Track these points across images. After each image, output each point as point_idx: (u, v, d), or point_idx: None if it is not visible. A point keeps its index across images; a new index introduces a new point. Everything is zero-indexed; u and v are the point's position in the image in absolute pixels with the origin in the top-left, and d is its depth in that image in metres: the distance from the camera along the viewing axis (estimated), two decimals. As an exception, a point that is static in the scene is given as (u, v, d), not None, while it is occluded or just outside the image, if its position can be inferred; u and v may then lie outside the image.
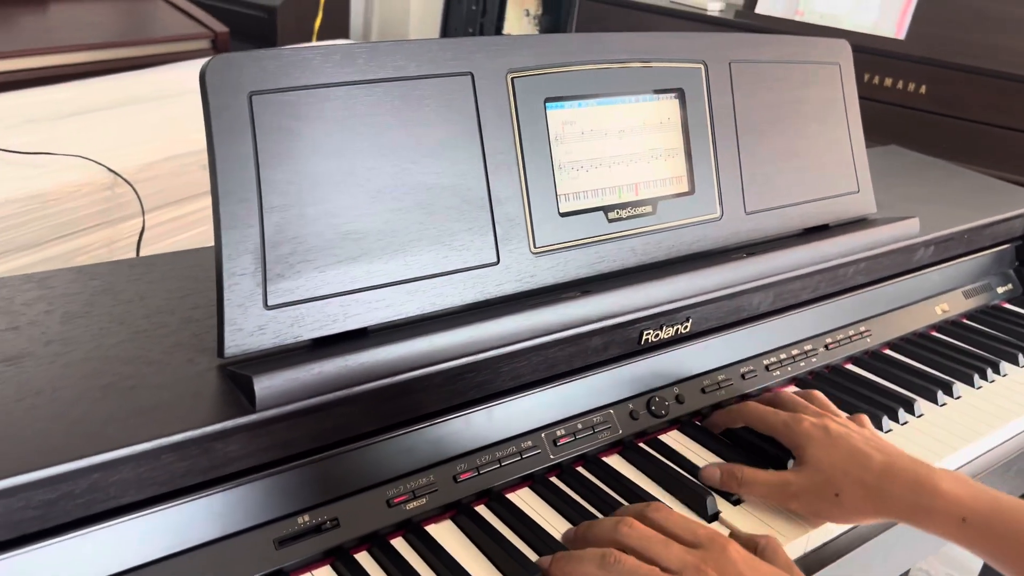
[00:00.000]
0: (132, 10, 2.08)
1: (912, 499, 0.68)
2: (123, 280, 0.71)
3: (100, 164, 1.10)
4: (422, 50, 0.68)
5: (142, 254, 1.15)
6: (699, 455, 0.79)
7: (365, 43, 0.66)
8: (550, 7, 2.58)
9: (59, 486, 0.50)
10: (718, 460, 0.78)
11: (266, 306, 0.60)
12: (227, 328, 0.58)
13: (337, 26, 2.89)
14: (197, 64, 1.74)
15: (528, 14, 2.60)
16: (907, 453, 0.72)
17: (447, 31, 2.78)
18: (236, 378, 0.59)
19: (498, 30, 2.64)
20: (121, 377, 0.58)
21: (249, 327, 0.59)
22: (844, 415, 0.78)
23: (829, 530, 0.72)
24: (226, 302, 0.58)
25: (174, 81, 1.54)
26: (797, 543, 0.70)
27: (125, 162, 1.15)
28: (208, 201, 1.33)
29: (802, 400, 0.80)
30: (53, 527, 0.51)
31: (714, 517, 0.71)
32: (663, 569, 0.58)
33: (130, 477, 0.53)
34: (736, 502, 0.73)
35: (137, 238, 1.14)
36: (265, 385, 0.57)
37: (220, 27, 2.09)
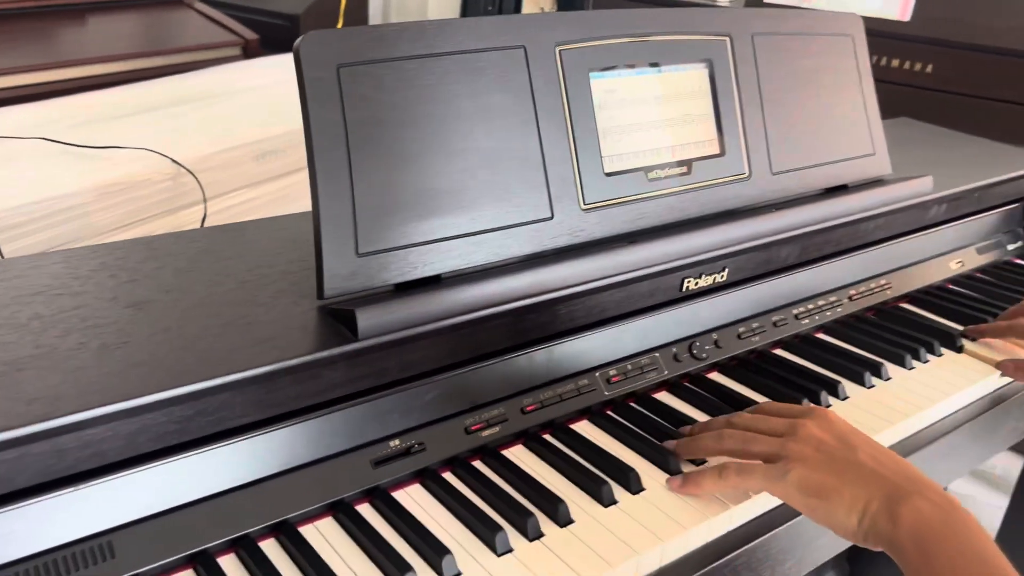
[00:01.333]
0: (165, 20, 2.17)
1: None
2: (220, 242, 0.79)
3: (164, 156, 1.18)
4: (481, 26, 0.76)
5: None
6: (742, 391, 0.86)
7: (432, 21, 0.74)
8: (564, 3, 2.67)
9: (196, 403, 0.58)
10: (760, 396, 0.85)
11: (358, 254, 0.68)
12: (326, 273, 0.66)
13: (356, 32, 2.98)
14: (234, 68, 1.83)
15: (543, 11, 2.69)
16: None
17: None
18: (338, 314, 0.66)
19: (514, 29, 2.72)
20: (236, 316, 0.66)
21: (344, 272, 0.67)
22: None
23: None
24: (324, 251, 0.66)
25: (217, 83, 1.63)
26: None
27: (184, 155, 1.23)
28: (263, 189, 1.41)
29: None
30: (190, 440, 0.59)
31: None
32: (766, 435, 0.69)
33: (252, 398, 0.61)
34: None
35: (199, 224, 1.23)
36: (366, 317, 0.64)
37: (250, 34, 2.18)
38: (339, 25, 2.85)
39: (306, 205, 1.48)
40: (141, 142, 1.23)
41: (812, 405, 0.73)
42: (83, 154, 1.17)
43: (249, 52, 2.17)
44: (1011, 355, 0.96)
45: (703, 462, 0.74)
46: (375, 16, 3.19)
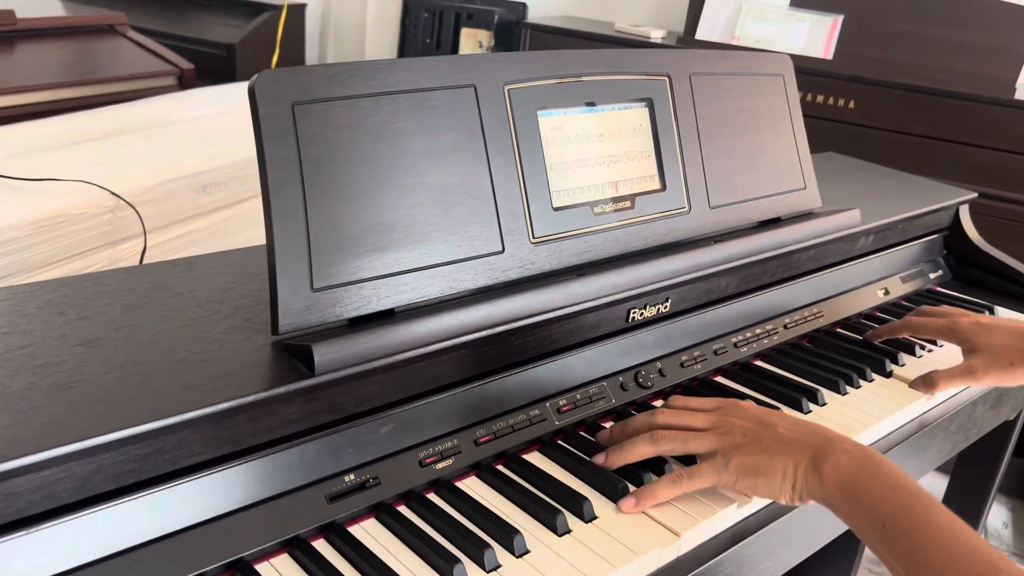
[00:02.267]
0: (98, 49, 2.13)
1: None
2: (171, 277, 0.78)
3: (103, 188, 1.16)
4: (432, 65, 0.78)
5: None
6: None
7: (384, 60, 0.76)
8: (501, 39, 2.71)
9: (154, 442, 0.58)
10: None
11: (312, 289, 0.68)
12: (280, 308, 0.66)
13: (294, 62, 2.97)
14: (172, 98, 1.81)
15: (481, 46, 2.73)
16: None
17: (402, 64, 2.87)
18: (293, 350, 0.67)
19: (453, 61, 2.75)
20: (190, 353, 0.66)
21: (298, 307, 0.67)
22: (972, 313, 1.04)
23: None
24: (279, 286, 0.66)
25: (155, 113, 1.61)
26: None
27: (123, 187, 1.21)
28: (204, 222, 1.40)
29: (943, 308, 1.07)
30: (146, 480, 0.59)
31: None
32: (696, 431, 0.75)
33: (210, 435, 0.61)
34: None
35: (139, 258, 1.21)
36: (322, 352, 0.65)
37: (186, 64, 2.16)
38: (275, 54, 2.84)
39: (248, 237, 1.47)
40: (79, 174, 1.21)
41: (725, 399, 0.80)
42: (19, 187, 1.14)
43: (185, 82, 2.15)
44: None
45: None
46: (312, 46, 3.19)
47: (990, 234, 1.39)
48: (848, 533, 0.77)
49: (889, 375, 1.03)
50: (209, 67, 2.60)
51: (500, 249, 0.80)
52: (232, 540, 0.62)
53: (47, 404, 0.57)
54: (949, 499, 1.45)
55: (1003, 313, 1.25)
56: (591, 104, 0.90)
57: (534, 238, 0.83)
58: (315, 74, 0.71)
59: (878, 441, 0.92)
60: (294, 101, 0.69)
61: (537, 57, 0.86)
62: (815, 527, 0.86)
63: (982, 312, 1.22)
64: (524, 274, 0.82)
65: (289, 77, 0.69)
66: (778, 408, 0.90)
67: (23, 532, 0.54)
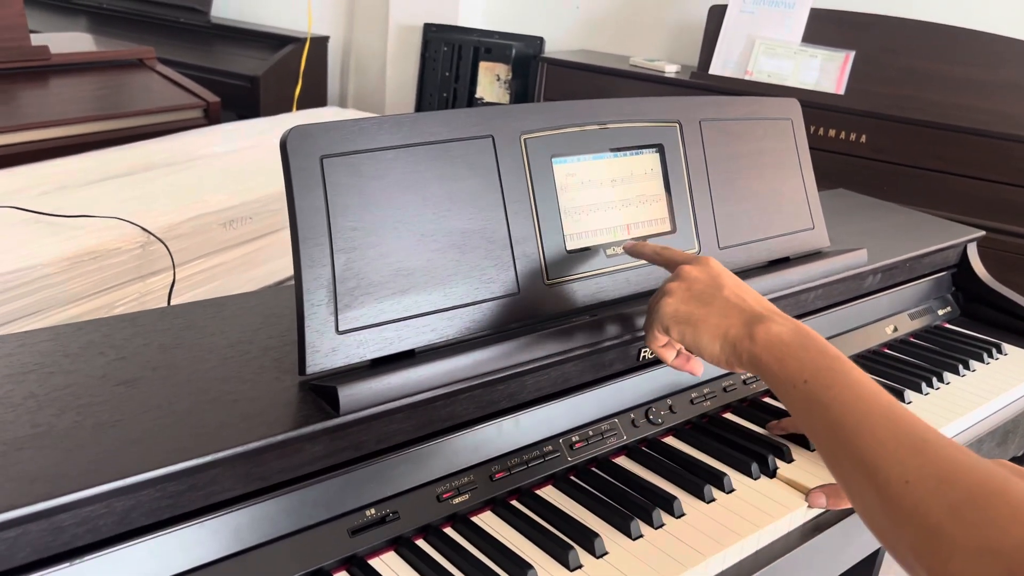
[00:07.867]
0: (127, 83, 2.20)
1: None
2: (202, 318, 0.82)
3: (134, 224, 1.21)
4: (452, 118, 0.82)
5: (174, 303, 1.25)
6: (694, 454, 0.91)
7: (408, 114, 0.80)
8: (519, 72, 2.76)
9: (188, 479, 0.61)
10: (712, 459, 0.91)
11: (337, 331, 0.72)
12: (308, 350, 0.70)
13: (316, 94, 3.04)
14: (198, 133, 1.87)
15: (499, 79, 2.78)
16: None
17: (422, 96, 2.95)
18: (320, 390, 0.70)
19: (471, 94, 2.82)
20: (223, 392, 0.69)
21: (324, 349, 0.71)
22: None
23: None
24: (307, 328, 0.70)
25: (180, 149, 1.66)
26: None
27: (153, 222, 1.26)
28: (230, 255, 1.44)
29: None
30: (181, 515, 0.62)
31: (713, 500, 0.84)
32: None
33: (241, 472, 0.64)
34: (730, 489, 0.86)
35: (168, 291, 1.25)
36: (347, 393, 0.68)
37: (212, 97, 2.22)
38: (298, 86, 2.91)
39: (272, 269, 1.52)
40: (110, 209, 1.26)
41: (700, 255, 0.85)
42: (54, 223, 1.19)
43: (211, 114, 2.21)
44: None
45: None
46: (333, 78, 3.25)
47: (999, 268, 1.41)
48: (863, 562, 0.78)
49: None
50: (233, 98, 2.67)
51: (516, 291, 0.84)
52: (259, 572, 0.65)
53: (91, 442, 0.61)
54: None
55: (1011, 351, 1.27)
56: (604, 151, 0.94)
57: (548, 280, 0.87)
58: (343, 128, 0.75)
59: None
60: (323, 154, 0.73)
61: (552, 107, 0.90)
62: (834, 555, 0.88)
63: (990, 349, 1.24)
64: (538, 315, 0.85)
65: (319, 132, 0.73)
66: (785, 446, 0.92)
67: (67, 564, 0.57)
